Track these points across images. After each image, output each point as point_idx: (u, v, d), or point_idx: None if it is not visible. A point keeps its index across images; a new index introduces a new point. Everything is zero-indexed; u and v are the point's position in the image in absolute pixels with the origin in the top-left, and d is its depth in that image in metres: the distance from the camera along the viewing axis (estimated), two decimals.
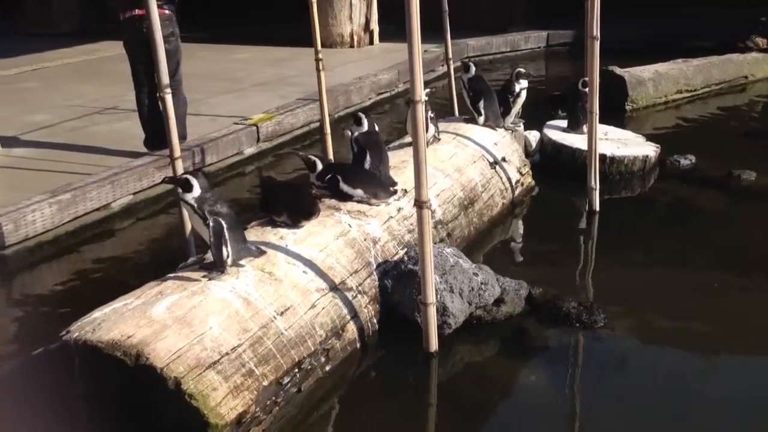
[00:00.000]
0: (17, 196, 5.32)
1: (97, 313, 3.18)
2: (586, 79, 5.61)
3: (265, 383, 3.21)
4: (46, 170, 5.97)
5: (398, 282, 3.94)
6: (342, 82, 8.55)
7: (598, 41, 5.12)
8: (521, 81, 5.86)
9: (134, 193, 5.84)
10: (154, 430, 3.03)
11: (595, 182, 5.37)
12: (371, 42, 11.69)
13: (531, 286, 4.17)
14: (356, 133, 4.72)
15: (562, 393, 3.58)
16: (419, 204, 3.58)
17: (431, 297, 3.65)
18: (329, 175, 4.37)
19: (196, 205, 3.57)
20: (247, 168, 6.95)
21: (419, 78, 3.47)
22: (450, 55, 6.76)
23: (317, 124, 7.71)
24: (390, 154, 4.81)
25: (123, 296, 3.35)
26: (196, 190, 3.59)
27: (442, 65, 8.40)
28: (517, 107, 5.93)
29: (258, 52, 11.14)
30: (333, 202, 4.29)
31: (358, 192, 4.34)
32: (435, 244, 3.92)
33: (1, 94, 7.63)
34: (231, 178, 6.68)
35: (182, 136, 6.31)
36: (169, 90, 4.17)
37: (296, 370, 3.39)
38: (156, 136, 5.84)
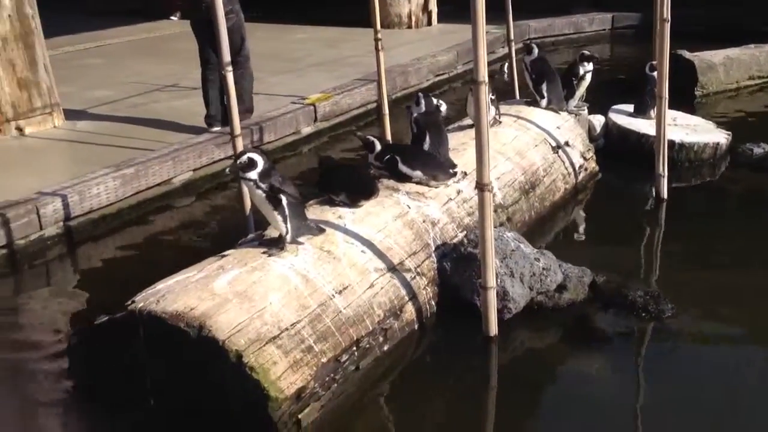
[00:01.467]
0: (82, 169, 5.43)
1: (160, 285, 3.22)
2: (654, 62, 5.47)
3: (324, 360, 3.22)
4: (110, 145, 6.07)
5: (457, 265, 3.91)
6: (400, 62, 8.50)
7: (669, 23, 4.98)
8: (586, 63, 5.74)
9: (194, 170, 5.91)
10: (214, 403, 3.05)
11: (663, 169, 5.24)
12: (429, 23, 11.59)
13: (594, 273, 4.09)
14: (416, 114, 4.68)
15: (625, 384, 3.50)
16: (480, 186, 3.54)
17: (491, 281, 3.62)
18: (388, 156, 4.35)
19: (257, 181, 3.57)
20: (304, 147, 6.97)
21: (483, 58, 3.42)
22: (512, 37, 6.65)
23: (374, 104, 7.70)
24: (449, 136, 4.75)
25: (185, 269, 3.39)
26: (258, 167, 3.60)
27: (503, 46, 8.28)
28: (581, 90, 5.82)
29: (315, 32, 11.15)
30: (391, 183, 4.27)
31: (417, 173, 4.31)
32: (495, 227, 3.87)
33: (65, 70, 7.75)
34: (288, 157, 6.71)
35: (249, 110, 6.48)
36: (230, 68, 4.18)
37: (354, 348, 3.39)
38: (224, 113, 5.90)
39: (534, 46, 5.73)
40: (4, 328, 4.11)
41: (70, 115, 6.80)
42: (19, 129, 6.39)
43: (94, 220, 5.18)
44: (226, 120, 5.66)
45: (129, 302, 3.12)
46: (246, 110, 6.34)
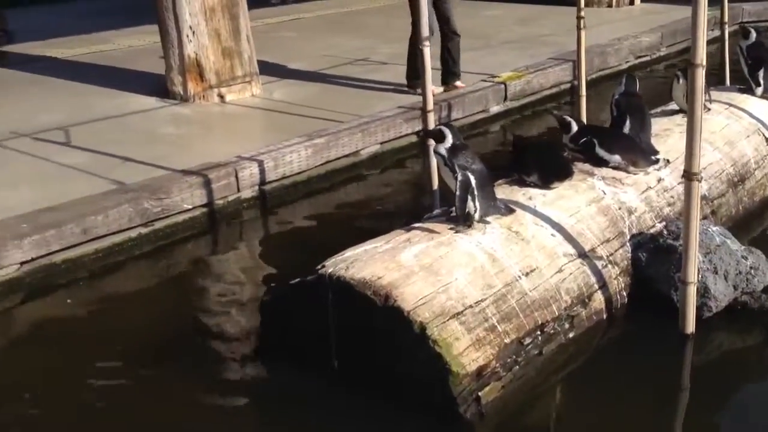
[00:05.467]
0: (277, 137, 5.64)
1: (349, 252, 3.27)
2: None
3: (507, 341, 3.15)
4: (302, 115, 6.26)
5: (654, 256, 3.70)
6: (598, 42, 8.16)
7: None
8: None
9: (381, 143, 5.98)
10: (393, 372, 3.06)
11: None
12: (632, 2, 11.05)
13: None
14: (617, 96, 4.46)
15: None
16: (689, 175, 3.32)
17: (692, 276, 3.39)
18: (584, 138, 4.17)
19: (447, 156, 3.53)
20: (492, 126, 6.89)
21: (702, 39, 3.20)
22: (725, 19, 6.21)
23: (567, 85, 7.48)
24: (651, 121, 4.49)
25: (373, 240, 3.42)
26: (448, 141, 3.55)
27: (713, 29, 7.78)
28: None
29: (507, 9, 10.95)
30: (586, 166, 4.10)
31: (615, 158, 4.10)
32: (699, 220, 3.62)
33: (262, 42, 8.06)
34: (475, 136, 6.64)
35: (457, 74, 6.82)
36: (428, 43, 4.18)
37: (538, 332, 3.29)
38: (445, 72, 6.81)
39: (752, 30, 5.31)
40: (202, 282, 4.38)
41: (267, 84, 7.08)
42: (221, 96, 6.72)
43: (286, 186, 5.37)
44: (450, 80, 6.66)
45: (319, 266, 3.19)
46: (455, 74, 6.84)
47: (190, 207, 4.83)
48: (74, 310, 4.05)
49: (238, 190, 5.08)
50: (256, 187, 5.19)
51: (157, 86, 6.89)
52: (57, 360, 3.56)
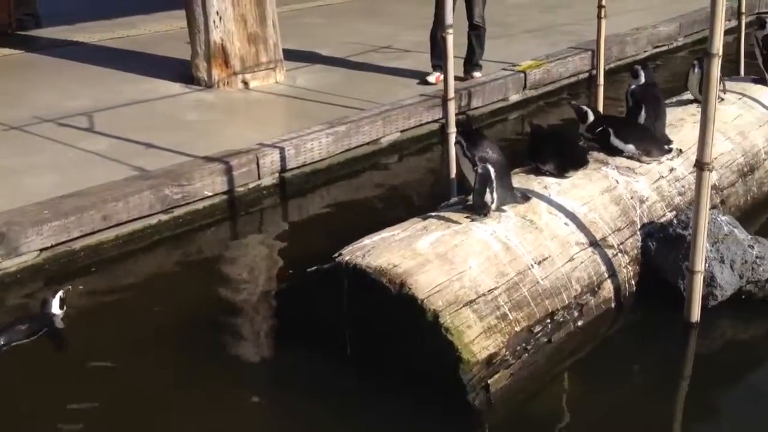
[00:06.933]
0: (298, 124, 5.72)
1: (366, 240, 3.37)
2: None
3: (517, 329, 3.24)
4: (324, 102, 6.34)
5: (663, 245, 3.78)
6: (617, 32, 8.18)
7: None
8: None
9: (402, 131, 6.06)
10: (405, 359, 3.17)
11: None
12: None
13: None
14: (632, 86, 4.52)
15: None
16: (701, 165, 3.39)
17: (699, 265, 3.47)
18: (600, 128, 4.25)
19: (466, 146, 3.61)
20: (511, 115, 6.94)
21: (720, 29, 3.26)
22: (743, 9, 6.22)
23: (586, 74, 7.51)
24: (666, 111, 4.55)
25: (389, 227, 3.51)
26: (466, 133, 3.65)
27: (730, 20, 7.76)
28: None
29: None
30: (601, 155, 4.18)
31: (630, 147, 4.18)
32: (709, 210, 3.69)
33: (288, 28, 8.14)
34: (494, 124, 6.72)
35: (477, 65, 6.93)
36: (451, 31, 4.26)
37: (548, 320, 3.38)
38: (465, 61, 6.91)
39: (767, 20, 5.33)
40: (221, 269, 4.46)
41: (291, 71, 7.15)
42: (245, 82, 6.80)
43: (307, 173, 5.45)
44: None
45: (336, 254, 3.29)
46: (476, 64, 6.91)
47: (210, 194, 4.90)
48: (92, 297, 4.08)
49: (259, 178, 5.15)
50: (277, 175, 5.26)
51: (183, 72, 6.98)
52: (76, 346, 3.61)
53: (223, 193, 4.99)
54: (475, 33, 6.80)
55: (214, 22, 6.60)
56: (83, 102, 6.33)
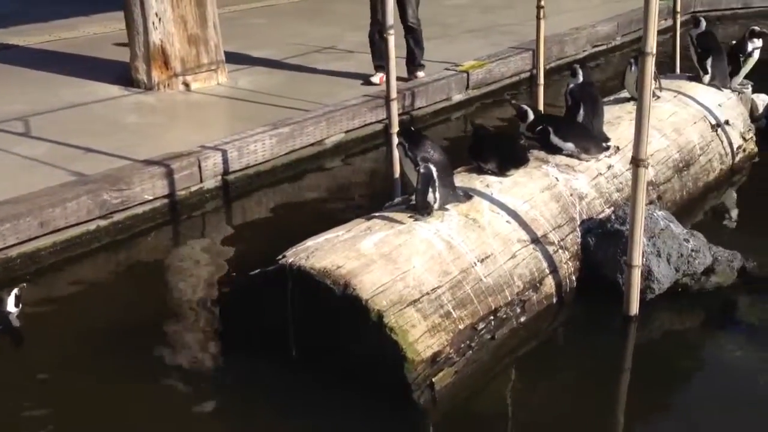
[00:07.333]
0: (241, 125, 5.69)
1: (310, 242, 3.37)
2: None
3: (461, 327, 3.27)
4: (268, 103, 6.31)
5: (602, 241, 3.85)
6: (557, 32, 8.31)
7: None
8: (755, 40, 5.41)
9: (346, 132, 6.06)
10: (350, 359, 3.17)
11: None
12: None
13: (745, 258, 3.93)
14: (571, 85, 4.60)
15: None
16: (636, 162, 3.46)
17: (637, 259, 3.55)
18: (540, 127, 4.31)
19: (407, 147, 3.63)
20: (454, 114, 6.99)
21: (653, 29, 3.33)
22: (678, 9, 6.37)
23: (527, 74, 7.60)
24: (604, 109, 4.64)
25: (334, 228, 3.52)
26: (408, 137, 3.67)
27: (665, 19, 7.94)
28: (747, 68, 5.51)
29: None
30: (541, 154, 4.24)
31: (569, 146, 4.25)
32: (645, 205, 3.77)
33: (230, 29, 8.07)
34: (437, 124, 6.76)
35: (417, 65, 6.91)
36: (392, 31, 4.28)
37: (492, 317, 3.42)
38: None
39: (702, 19, 5.49)
40: (162, 274, 4.42)
41: (233, 72, 7.10)
42: (186, 84, 6.74)
43: (250, 175, 5.41)
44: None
45: (280, 257, 3.28)
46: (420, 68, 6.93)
47: (151, 198, 4.84)
48: (29, 306, 3.93)
49: (201, 181, 5.11)
50: (220, 177, 5.23)
51: (122, 74, 6.88)
52: (13, 354, 3.55)
53: (164, 196, 4.93)
54: (411, 35, 6.81)
55: (153, 23, 6.52)
56: (19, 107, 6.20)
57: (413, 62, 6.92)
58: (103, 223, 4.67)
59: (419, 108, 6.64)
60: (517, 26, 8.63)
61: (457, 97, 7.05)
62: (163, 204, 4.95)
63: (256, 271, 3.35)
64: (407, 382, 3.04)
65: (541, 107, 5.53)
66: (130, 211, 4.78)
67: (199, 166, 5.08)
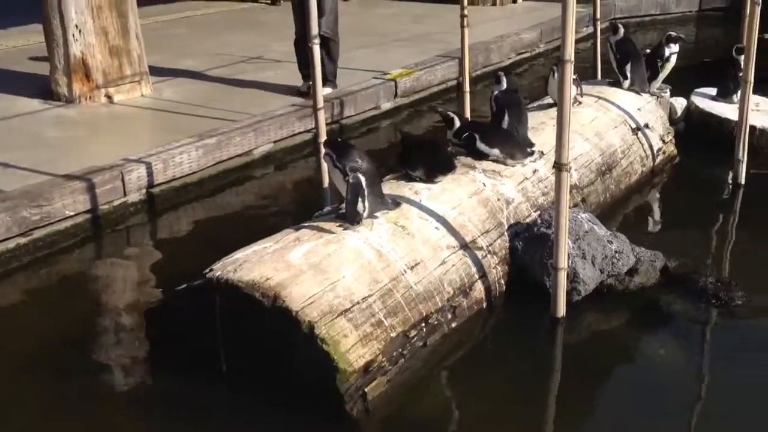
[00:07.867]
0: (166, 137, 5.58)
1: (238, 254, 3.32)
2: (741, 45, 5.30)
3: (393, 335, 3.27)
4: (193, 114, 6.22)
5: (529, 245, 3.91)
6: (482, 40, 8.43)
7: (759, 6, 4.84)
8: (672, 45, 5.62)
9: (275, 141, 6.01)
10: (283, 373, 3.14)
11: (742, 154, 5.13)
12: (514, 0, 11.43)
13: (667, 258, 4.03)
14: (496, 92, 4.66)
15: (692, 370, 3.48)
16: (559, 166, 3.52)
17: (563, 262, 3.61)
18: (466, 133, 4.35)
19: (335, 157, 3.62)
20: (383, 122, 7.01)
21: (571, 37, 3.39)
22: (598, 16, 6.53)
23: (454, 82, 7.68)
24: (528, 115, 4.72)
25: (262, 240, 3.47)
26: (334, 148, 3.67)
27: (587, 26, 8.15)
28: (665, 72, 5.71)
29: (403, 7, 11.09)
30: (468, 160, 4.28)
31: (495, 151, 4.30)
32: (570, 208, 3.85)
33: (153, 39, 7.94)
34: (366, 132, 6.77)
35: (330, 80, 6.63)
36: (317, 40, 4.27)
37: (423, 324, 3.43)
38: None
39: (620, 26, 5.64)
40: (86, 292, 4.29)
41: (157, 84, 6.98)
42: (108, 96, 6.58)
43: (176, 188, 5.32)
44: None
45: (207, 270, 3.22)
46: (332, 74, 6.69)
47: (72, 213, 4.71)
48: None
49: (125, 194, 4.99)
50: (144, 191, 5.11)
51: (42, 88, 6.68)
52: None
53: (86, 212, 4.80)
54: (324, 46, 6.41)
55: (73, 35, 6.36)
56: None
57: (325, 77, 6.55)
58: (22, 240, 4.52)
59: (348, 117, 6.64)
60: (445, 35, 8.69)
61: (386, 105, 7.08)
62: (86, 219, 4.81)
63: (183, 285, 3.29)
64: (340, 392, 3.01)
65: (467, 114, 5.61)
66: (51, 228, 4.64)
67: (123, 180, 4.96)
